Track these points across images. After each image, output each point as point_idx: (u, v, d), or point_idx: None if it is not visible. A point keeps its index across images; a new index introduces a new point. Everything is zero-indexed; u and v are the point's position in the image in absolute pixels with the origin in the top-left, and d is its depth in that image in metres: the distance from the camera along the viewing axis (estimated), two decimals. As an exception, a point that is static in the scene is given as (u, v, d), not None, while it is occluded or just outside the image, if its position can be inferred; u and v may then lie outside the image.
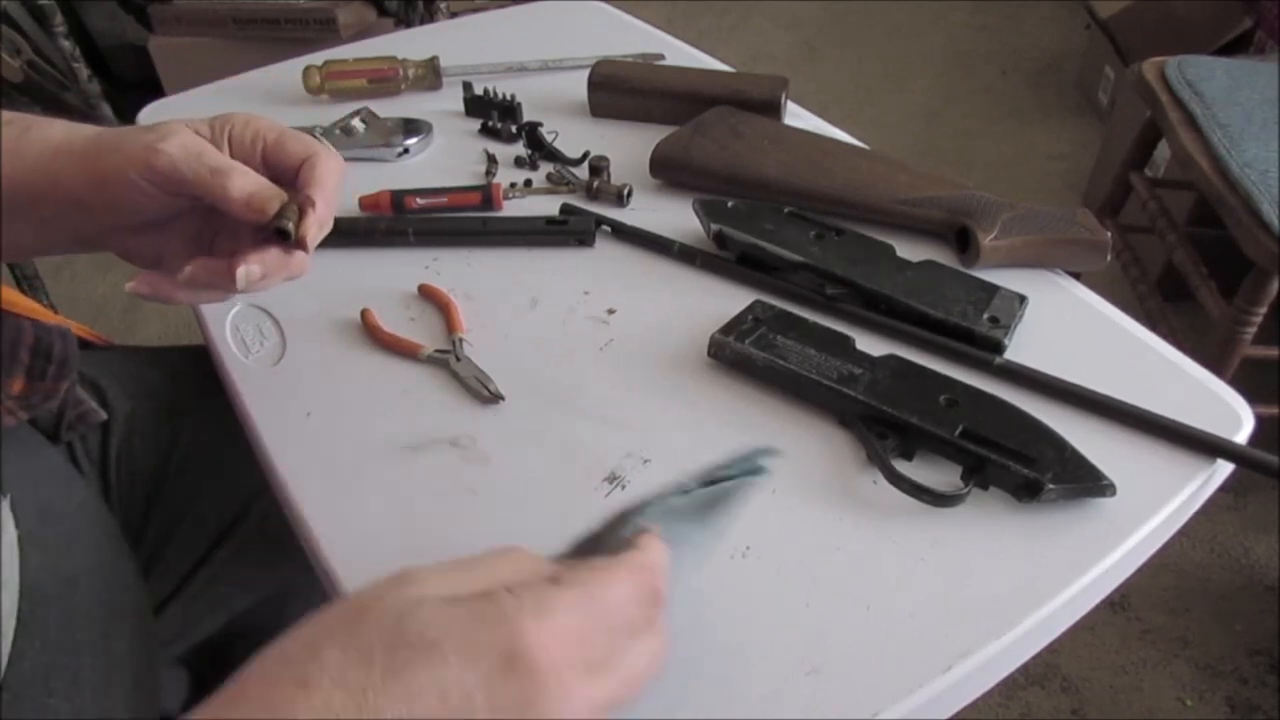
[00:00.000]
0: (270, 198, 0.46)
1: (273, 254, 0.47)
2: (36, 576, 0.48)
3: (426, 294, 0.62)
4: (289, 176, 0.48)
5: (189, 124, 0.47)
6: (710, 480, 0.40)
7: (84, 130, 0.47)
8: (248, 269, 0.46)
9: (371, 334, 0.59)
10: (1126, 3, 2.02)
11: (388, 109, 0.80)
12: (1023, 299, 0.57)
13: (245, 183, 0.45)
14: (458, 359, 0.56)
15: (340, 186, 0.49)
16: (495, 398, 0.53)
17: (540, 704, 0.28)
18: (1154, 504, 0.47)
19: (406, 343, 0.58)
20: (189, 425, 0.64)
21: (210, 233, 0.51)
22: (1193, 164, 1.17)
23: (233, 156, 0.47)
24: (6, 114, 0.47)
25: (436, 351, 0.57)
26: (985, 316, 0.56)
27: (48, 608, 0.47)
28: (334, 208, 0.48)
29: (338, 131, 0.76)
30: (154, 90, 2.06)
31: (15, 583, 0.47)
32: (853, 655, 0.41)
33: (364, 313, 0.60)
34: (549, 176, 0.74)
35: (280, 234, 0.46)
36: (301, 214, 0.46)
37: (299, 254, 0.48)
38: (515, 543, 0.45)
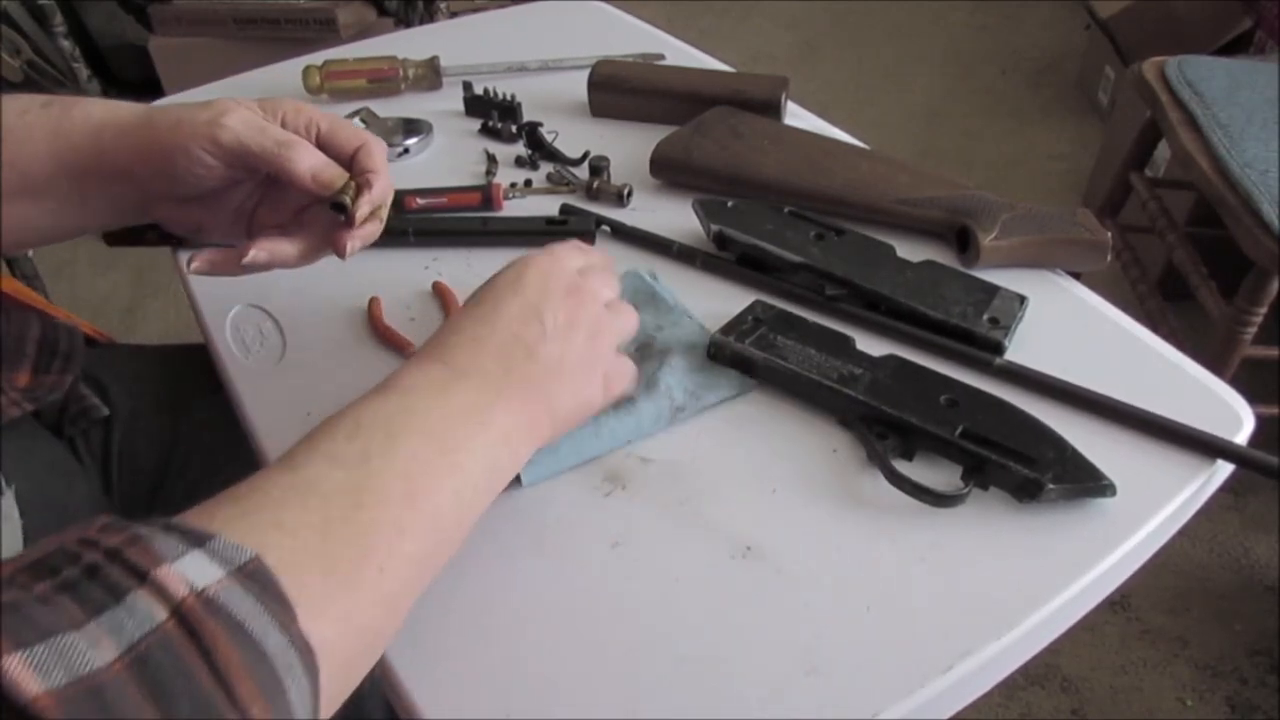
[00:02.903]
0: (335, 175, 0.50)
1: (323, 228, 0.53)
2: None
3: (439, 292, 0.62)
4: (340, 162, 0.51)
5: (240, 101, 0.50)
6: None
7: (127, 106, 0.50)
8: (352, 244, 0.51)
9: (373, 325, 0.59)
10: (1126, 3, 2.02)
11: (388, 109, 0.80)
12: (1023, 299, 0.57)
13: (312, 159, 0.49)
14: None
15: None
16: None
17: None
18: (1154, 504, 0.47)
19: (401, 340, 0.58)
20: (190, 423, 0.65)
21: (252, 204, 0.54)
22: (1193, 164, 1.17)
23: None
24: (46, 96, 0.50)
25: None
26: (985, 317, 0.56)
27: None
28: (387, 191, 0.52)
29: (338, 131, 0.76)
30: (154, 90, 2.07)
31: None
32: (853, 655, 0.41)
33: (371, 301, 0.60)
34: (549, 176, 0.74)
35: (337, 207, 0.50)
36: (359, 192, 0.50)
37: (372, 225, 0.52)
38: (509, 543, 0.46)
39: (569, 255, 0.48)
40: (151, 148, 0.48)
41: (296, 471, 0.35)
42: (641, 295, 0.60)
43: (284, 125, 0.50)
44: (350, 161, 0.51)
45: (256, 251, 0.50)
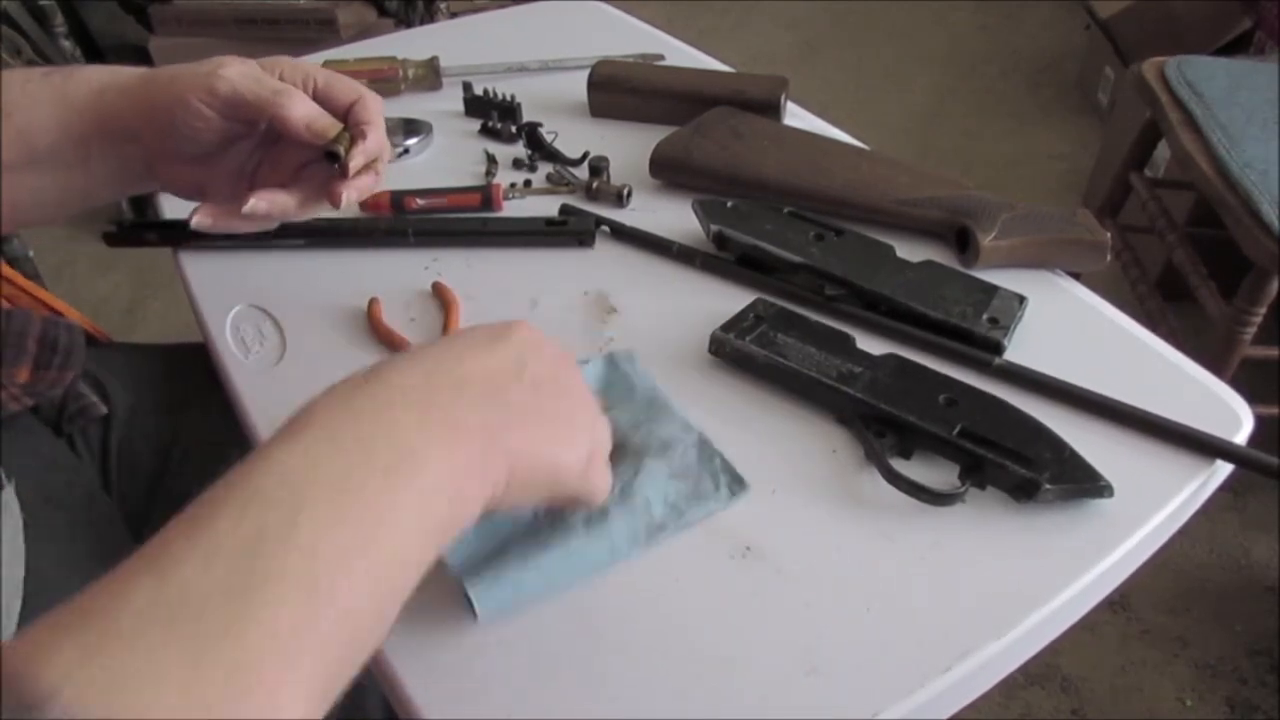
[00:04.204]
0: (329, 125, 0.50)
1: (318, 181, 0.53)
2: (41, 563, 0.48)
3: (438, 292, 0.62)
4: (337, 116, 0.52)
5: (238, 58, 0.50)
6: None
7: (128, 69, 0.51)
8: (347, 194, 0.51)
9: (373, 325, 0.59)
10: (1126, 3, 2.02)
11: (388, 109, 0.79)
12: (1022, 299, 0.57)
13: (305, 107, 0.49)
14: None
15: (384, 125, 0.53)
16: None
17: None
18: (1153, 504, 0.47)
19: (401, 340, 0.58)
20: (189, 422, 0.65)
21: (252, 165, 0.55)
22: (1193, 164, 1.17)
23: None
24: (46, 67, 0.51)
25: None
26: (985, 317, 0.56)
27: (52, 593, 0.47)
28: (383, 144, 0.53)
29: (338, 132, 0.76)
30: (154, 90, 2.06)
31: (21, 569, 0.47)
32: (853, 655, 0.41)
33: (371, 301, 0.60)
34: (549, 177, 0.74)
35: (331, 156, 0.50)
36: (353, 143, 0.51)
37: (370, 176, 0.53)
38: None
39: None
40: (152, 103, 0.49)
41: (166, 578, 0.26)
42: (618, 385, 0.53)
43: (281, 79, 0.51)
44: (346, 115, 0.52)
45: (256, 200, 0.50)
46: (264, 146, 0.54)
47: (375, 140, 0.52)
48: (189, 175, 0.53)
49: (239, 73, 0.49)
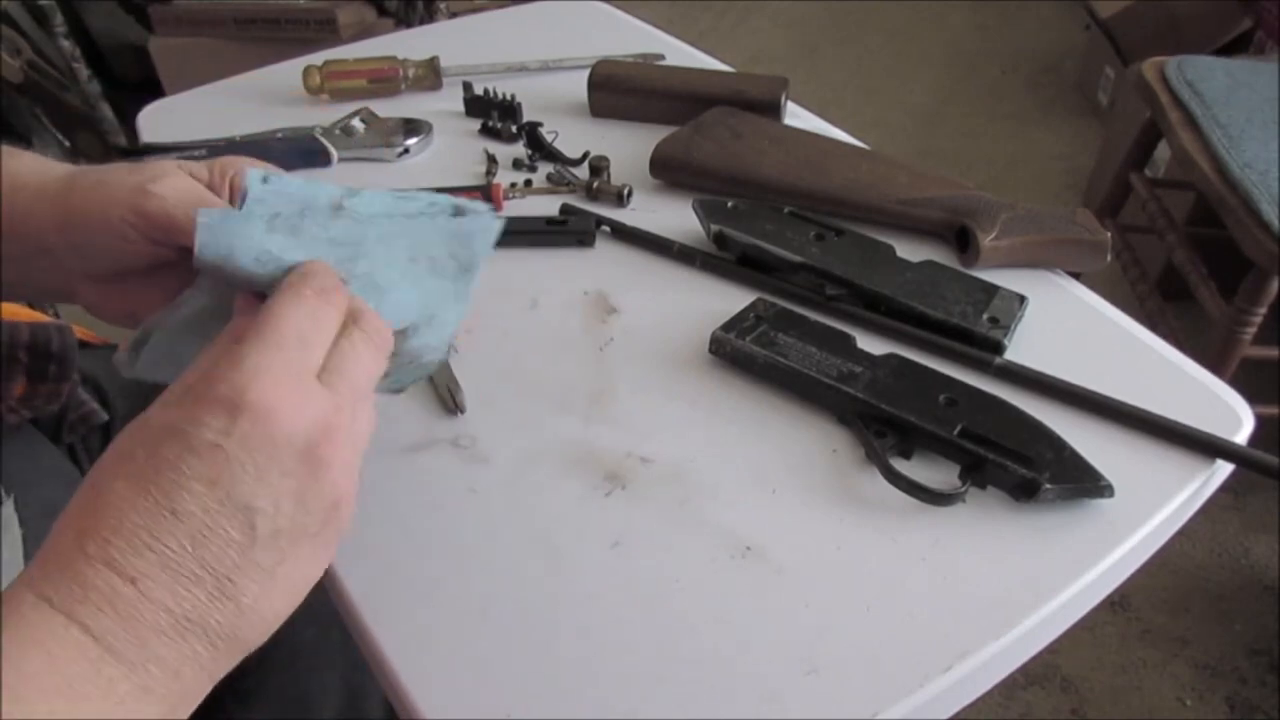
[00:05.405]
0: None
1: None
2: None
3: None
4: None
5: (183, 166, 0.42)
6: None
7: (56, 167, 0.43)
8: None
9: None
10: (1126, 3, 2.02)
11: (388, 109, 0.80)
12: (1023, 299, 0.57)
13: None
14: None
15: None
16: (458, 409, 0.53)
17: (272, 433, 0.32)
18: (1153, 504, 0.47)
19: (406, 342, 0.58)
20: None
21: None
22: (1193, 164, 1.17)
23: (234, 205, 0.42)
24: None
25: None
26: (985, 317, 0.56)
27: None
28: None
29: (338, 131, 0.76)
30: (154, 90, 2.06)
31: None
32: (852, 655, 0.41)
33: None
34: (549, 177, 0.74)
35: None
36: None
37: None
38: (509, 543, 0.45)
39: (302, 391, 0.33)
40: (68, 215, 0.40)
41: None
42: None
43: (233, 190, 0.43)
44: None
45: None
46: None
47: None
48: (117, 299, 0.44)
49: (175, 189, 0.39)
